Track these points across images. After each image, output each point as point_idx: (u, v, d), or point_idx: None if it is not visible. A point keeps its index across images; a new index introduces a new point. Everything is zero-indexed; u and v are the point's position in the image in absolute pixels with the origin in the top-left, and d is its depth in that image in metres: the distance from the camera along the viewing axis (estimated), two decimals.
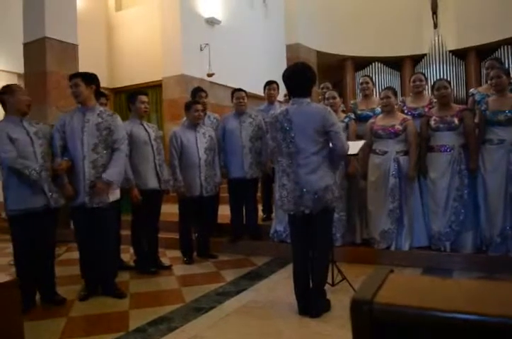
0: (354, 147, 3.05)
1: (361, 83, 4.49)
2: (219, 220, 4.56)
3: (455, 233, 3.55)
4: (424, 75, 4.27)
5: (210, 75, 7.10)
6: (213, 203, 4.34)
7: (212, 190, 4.06)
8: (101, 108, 3.18)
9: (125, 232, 3.85)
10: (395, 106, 3.83)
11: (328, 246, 2.81)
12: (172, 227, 4.38)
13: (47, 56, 5.43)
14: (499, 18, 9.05)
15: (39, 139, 2.91)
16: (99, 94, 3.43)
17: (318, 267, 2.67)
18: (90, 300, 3.04)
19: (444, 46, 10.15)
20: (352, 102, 4.79)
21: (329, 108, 2.68)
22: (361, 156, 3.73)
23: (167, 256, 4.30)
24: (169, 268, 3.85)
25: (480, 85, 7.89)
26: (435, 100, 3.88)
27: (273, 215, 4.47)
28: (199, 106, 4.02)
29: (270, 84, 4.69)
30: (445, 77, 9.27)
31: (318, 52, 10.14)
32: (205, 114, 4.36)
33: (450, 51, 10.12)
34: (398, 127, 3.66)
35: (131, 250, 3.97)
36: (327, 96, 3.88)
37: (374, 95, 4.77)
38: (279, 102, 5.11)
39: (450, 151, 3.57)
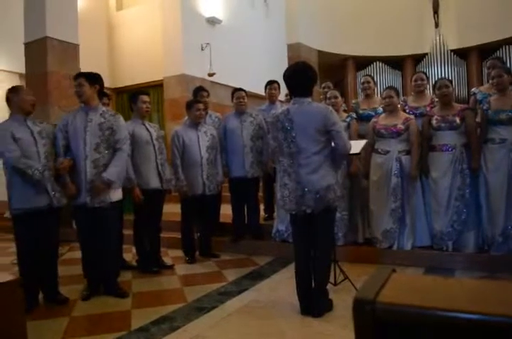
0: (356, 146, 3.04)
1: (363, 83, 4.48)
2: (221, 219, 4.57)
3: (457, 232, 3.55)
4: (426, 74, 4.26)
5: (211, 74, 7.10)
6: (216, 201, 4.35)
7: (214, 188, 4.08)
8: (104, 108, 3.19)
9: (127, 232, 3.85)
10: (398, 106, 3.83)
11: (330, 246, 2.81)
12: (174, 226, 4.38)
13: (48, 56, 5.44)
14: (500, 18, 9.04)
15: (43, 139, 2.93)
16: (101, 94, 3.44)
17: (320, 266, 2.66)
18: (93, 299, 3.04)
19: (445, 45, 10.13)
20: (354, 101, 4.79)
21: (330, 107, 2.67)
22: (363, 155, 3.73)
23: (170, 255, 4.31)
24: (171, 267, 3.85)
25: (482, 84, 7.86)
26: (436, 99, 3.88)
27: (275, 214, 4.47)
28: (201, 106, 4.03)
29: (271, 84, 4.68)
30: (446, 76, 9.26)
31: (319, 52, 10.13)
32: (206, 113, 4.37)
33: (451, 51, 10.10)
34: (400, 126, 3.65)
35: (134, 249, 3.97)
36: (328, 95, 3.87)
37: (376, 95, 4.76)
38: (280, 101, 5.11)
39: (451, 150, 3.57)
